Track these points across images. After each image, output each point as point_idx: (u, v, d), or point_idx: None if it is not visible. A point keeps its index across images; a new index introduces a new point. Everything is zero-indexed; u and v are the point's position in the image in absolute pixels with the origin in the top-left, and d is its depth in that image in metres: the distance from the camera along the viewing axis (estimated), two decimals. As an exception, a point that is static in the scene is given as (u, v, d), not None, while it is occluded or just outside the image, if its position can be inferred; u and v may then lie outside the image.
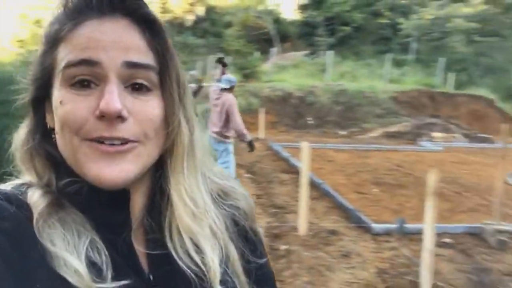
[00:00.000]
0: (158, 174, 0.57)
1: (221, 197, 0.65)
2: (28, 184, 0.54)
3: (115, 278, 0.50)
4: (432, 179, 3.11)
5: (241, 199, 0.67)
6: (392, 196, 5.91)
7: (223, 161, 5.06)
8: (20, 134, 0.56)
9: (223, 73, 5.57)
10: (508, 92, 17.60)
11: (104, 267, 0.50)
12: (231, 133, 5.08)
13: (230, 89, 5.04)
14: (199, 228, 0.57)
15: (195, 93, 6.20)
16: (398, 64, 19.01)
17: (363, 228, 4.50)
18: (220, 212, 0.63)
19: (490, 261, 3.82)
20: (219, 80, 5.31)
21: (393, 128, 12.75)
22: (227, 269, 0.59)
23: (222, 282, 0.57)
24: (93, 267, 0.49)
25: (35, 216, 0.49)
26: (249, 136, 5.13)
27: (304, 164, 4.38)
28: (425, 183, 6.66)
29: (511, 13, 20.27)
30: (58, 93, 0.50)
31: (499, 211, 4.32)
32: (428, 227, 3.21)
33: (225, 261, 0.59)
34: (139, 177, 0.53)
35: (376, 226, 4.47)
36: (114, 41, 0.49)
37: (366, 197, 5.70)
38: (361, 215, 4.77)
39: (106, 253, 0.51)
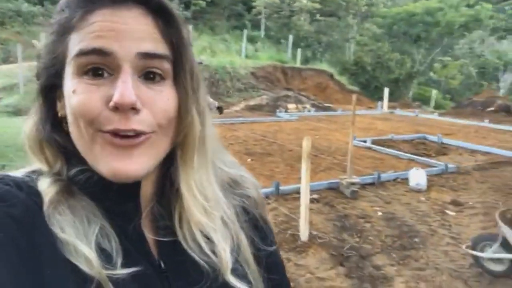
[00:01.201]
0: (168, 165, 0.56)
1: (231, 186, 0.65)
2: (39, 172, 0.54)
3: (125, 265, 0.50)
4: (306, 145, 3.57)
5: (251, 187, 0.68)
6: (263, 164, 6.49)
7: None
8: (29, 123, 0.54)
9: None
10: (344, 66, 20.45)
11: (114, 254, 0.50)
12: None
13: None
14: (209, 221, 0.57)
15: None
16: (251, 40, 20.04)
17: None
18: (231, 202, 0.63)
19: (348, 209, 4.65)
20: None
21: (253, 102, 13.63)
22: (238, 257, 0.60)
23: (232, 270, 0.57)
24: (103, 254, 0.49)
25: (45, 203, 0.49)
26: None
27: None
28: (287, 150, 7.45)
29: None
30: (71, 82, 0.49)
31: (350, 167, 5.21)
32: (304, 185, 3.72)
33: (236, 249, 0.60)
34: (152, 169, 0.53)
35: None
36: (127, 30, 0.47)
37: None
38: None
39: (116, 240, 0.51)
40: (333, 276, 3.21)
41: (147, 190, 0.56)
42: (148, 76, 0.50)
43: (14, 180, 0.50)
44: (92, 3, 0.48)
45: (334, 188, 5.25)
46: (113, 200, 0.52)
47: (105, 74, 0.48)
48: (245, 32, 18.58)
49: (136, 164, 0.49)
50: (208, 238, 0.57)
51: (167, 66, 0.50)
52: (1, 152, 6.14)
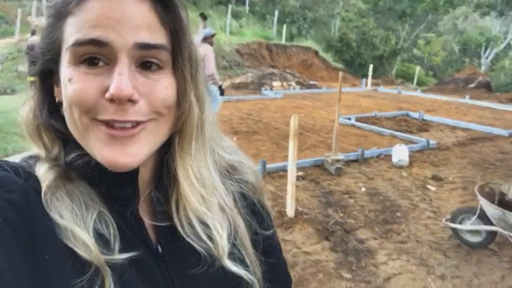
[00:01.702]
0: (166, 150, 0.56)
1: (229, 172, 0.65)
2: (37, 157, 0.54)
3: (123, 250, 0.50)
4: (293, 123, 3.61)
5: (249, 173, 0.68)
6: (249, 143, 6.52)
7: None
8: (26, 109, 0.54)
9: (204, 26, 6.63)
10: (329, 43, 20.37)
11: (112, 239, 0.50)
12: (211, 80, 6.09)
13: (206, 40, 6.12)
14: (206, 208, 0.57)
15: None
16: (235, 16, 19.70)
17: (231, 173, 4.93)
18: (229, 188, 0.63)
19: (332, 185, 4.75)
20: (201, 33, 6.29)
21: (238, 79, 13.53)
22: (235, 242, 0.60)
23: (229, 254, 0.58)
24: (101, 239, 0.49)
25: (43, 188, 0.49)
26: (219, 82, 6.37)
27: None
28: (273, 128, 7.48)
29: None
30: (67, 70, 0.48)
31: (335, 145, 5.29)
32: (291, 164, 3.78)
33: (233, 234, 0.60)
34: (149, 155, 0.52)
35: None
36: (124, 18, 0.46)
37: (228, 145, 6.15)
38: (227, 162, 5.19)
39: (114, 225, 0.51)
40: (318, 250, 3.32)
41: (144, 175, 0.56)
42: (146, 65, 0.49)
43: (11, 165, 0.50)
44: None
45: (319, 165, 5.33)
46: (111, 185, 0.52)
47: (101, 63, 0.47)
48: (230, 7, 18.25)
49: (133, 154, 0.49)
50: (204, 224, 0.57)
51: (165, 55, 0.50)
52: (-18, 133, 6.00)
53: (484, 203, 3.17)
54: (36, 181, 0.50)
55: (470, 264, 3.20)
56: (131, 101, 0.47)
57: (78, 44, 0.46)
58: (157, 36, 0.48)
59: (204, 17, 6.89)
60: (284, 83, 13.68)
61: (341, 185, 4.76)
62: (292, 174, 3.80)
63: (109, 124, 0.48)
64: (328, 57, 19.06)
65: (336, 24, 22.52)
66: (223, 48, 14.95)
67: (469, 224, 3.32)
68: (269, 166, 5.03)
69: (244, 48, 15.72)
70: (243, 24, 19.35)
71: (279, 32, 18.87)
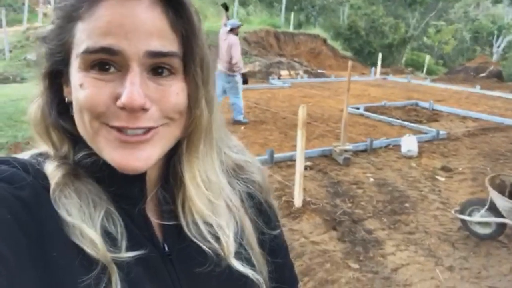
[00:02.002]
0: (174, 151, 0.56)
1: (236, 171, 0.65)
2: (45, 155, 0.54)
3: (130, 248, 0.51)
4: (302, 113, 3.59)
5: (256, 172, 0.68)
6: (257, 132, 6.51)
7: (233, 92, 6.61)
8: (34, 107, 0.54)
9: (227, 17, 6.82)
10: (337, 31, 20.13)
11: (119, 237, 0.50)
12: (236, 68, 6.47)
13: (232, 31, 6.50)
14: (212, 211, 0.58)
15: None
16: (243, 3, 19.52)
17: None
18: (236, 187, 0.64)
19: (340, 175, 4.73)
20: (225, 24, 6.60)
21: (246, 68, 13.43)
22: (242, 241, 0.61)
23: (236, 253, 0.59)
24: (108, 237, 0.50)
25: (52, 186, 0.49)
26: (243, 70, 6.70)
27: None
28: (281, 117, 7.46)
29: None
30: (77, 75, 0.48)
31: (344, 135, 5.26)
32: (299, 153, 3.77)
33: (240, 234, 0.61)
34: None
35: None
36: (135, 25, 0.46)
37: (236, 135, 6.12)
38: (235, 151, 5.19)
39: (122, 223, 0.51)
40: (326, 240, 3.32)
41: (152, 175, 0.56)
42: (157, 71, 0.49)
43: (20, 162, 0.51)
44: None
45: (327, 155, 5.31)
46: (119, 184, 0.52)
47: (112, 69, 0.47)
48: (237, -6, 18.07)
49: (144, 159, 0.49)
50: (210, 225, 0.57)
51: (176, 62, 0.49)
52: (-9, 121, 6.06)
53: (495, 195, 3.13)
54: (45, 178, 0.50)
55: (479, 256, 3.19)
56: (143, 109, 0.47)
57: (89, 52, 0.46)
58: (169, 43, 0.48)
59: (226, 7, 7.02)
60: (292, 72, 13.58)
61: (349, 175, 4.74)
62: (300, 165, 3.78)
63: (120, 130, 0.48)
64: (337, 45, 18.83)
65: (345, 12, 22.22)
66: (230, 36, 14.83)
67: (479, 216, 3.29)
68: (277, 155, 5.02)
69: (251, 36, 15.58)
70: (250, 12, 19.17)
71: (287, 20, 18.68)
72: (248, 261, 0.61)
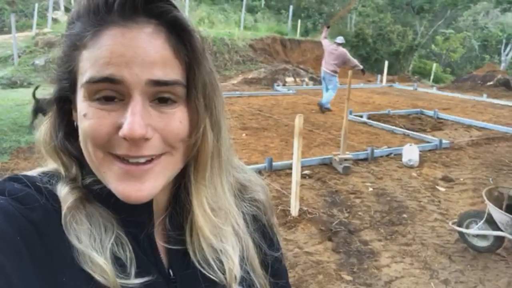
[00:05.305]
0: (182, 176, 0.56)
1: (241, 191, 0.66)
2: (56, 174, 0.54)
3: (138, 274, 0.51)
4: (298, 122, 3.58)
5: (259, 190, 0.69)
6: (258, 139, 6.50)
7: (332, 87, 8.90)
8: (44, 128, 0.55)
9: (326, 33, 9.27)
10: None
11: (128, 263, 0.51)
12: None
13: (342, 44, 8.83)
14: (219, 238, 0.58)
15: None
16: (251, 10, 19.62)
17: (238, 170, 4.93)
18: (241, 209, 0.64)
19: (339, 184, 4.70)
20: (325, 37, 9.21)
21: (251, 75, 13.49)
22: (246, 267, 0.61)
23: (240, 279, 0.59)
24: (118, 262, 0.50)
25: (64, 210, 0.50)
26: (361, 66, 9.07)
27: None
28: (283, 125, 7.45)
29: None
30: (82, 105, 0.49)
31: (343, 143, 5.23)
32: (296, 162, 3.75)
33: (245, 258, 0.61)
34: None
35: (249, 168, 4.96)
36: (137, 56, 0.46)
37: (237, 142, 6.15)
38: (235, 159, 5.19)
39: (131, 248, 0.52)
40: (320, 251, 3.29)
41: (160, 201, 0.57)
42: (160, 99, 0.49)
43: (33, 182, 0.51)
44: (102, 21, 0.47)
45: (326, 164, 5.29)
46: (126, 211, 0.53)
47: (116, 100, 0.48)
48: (245, 1, 18.15)
49: (147, 188, 0.49)
50: (217, 252, 0.58)
51: (179, 90, 0.49)
52: (-5, 126, 6.14)
53: (492, 208, 3.08)
54: (57, 201, 0.51)
55: (476, 269, 3.13)
56: (145, 138, 0.47)
57: (92, 82, 0.47)
58: (171, 71, 0.48)
59: (328, 27, 9.50)
60: (297, 79, 13.58)
61: (348, 185, 4.70)
62: (296, 173, 3.77)
63: (123, 159, 0.48)
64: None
65: (353, 19, 22.22)
66: (236, 43, 14.91)
67: (476, 229, 3.24)
68: (276, 164, 5.01)
69: (257, 43, 15.64)
70: (258, 19, 19.25)
71: (294, 27, 18.71)
72: (251, 287, 0.61)
